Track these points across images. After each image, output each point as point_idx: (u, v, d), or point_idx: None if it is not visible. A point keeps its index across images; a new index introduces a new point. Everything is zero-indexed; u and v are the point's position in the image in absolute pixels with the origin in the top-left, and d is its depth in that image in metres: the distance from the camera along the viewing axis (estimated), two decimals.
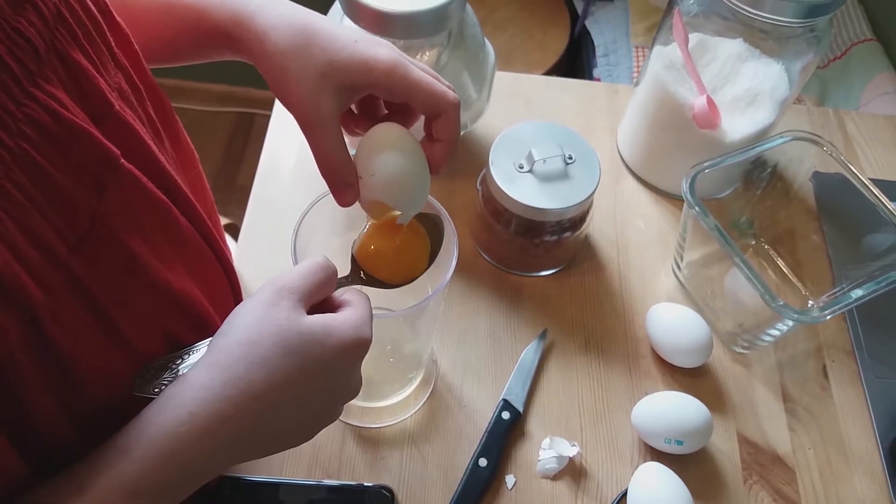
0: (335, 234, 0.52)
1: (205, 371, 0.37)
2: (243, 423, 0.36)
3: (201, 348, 0.41)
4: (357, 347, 0.39)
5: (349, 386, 0.42)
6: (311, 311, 0.39)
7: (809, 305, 0.67)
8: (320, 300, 0.41)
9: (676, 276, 0.68)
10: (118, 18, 0.42)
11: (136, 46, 0.44)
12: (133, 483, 0.34)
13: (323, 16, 0.46)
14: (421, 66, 0.44)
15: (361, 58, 0.42)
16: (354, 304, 0.41)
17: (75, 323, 0.35)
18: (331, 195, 0.45)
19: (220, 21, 0.45)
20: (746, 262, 0.56)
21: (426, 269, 0.48)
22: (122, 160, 0.36)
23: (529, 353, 0.62)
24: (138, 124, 0.39)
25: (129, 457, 0.34)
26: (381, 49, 0.43)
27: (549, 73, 1.45)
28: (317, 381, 0.38)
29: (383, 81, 0.42)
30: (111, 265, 0.36)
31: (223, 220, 1.31)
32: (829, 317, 0.55)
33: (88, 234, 0.34)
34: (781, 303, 0.54)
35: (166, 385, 0.38)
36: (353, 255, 0.47)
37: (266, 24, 0.43)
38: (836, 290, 0.63)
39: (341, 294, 0.42)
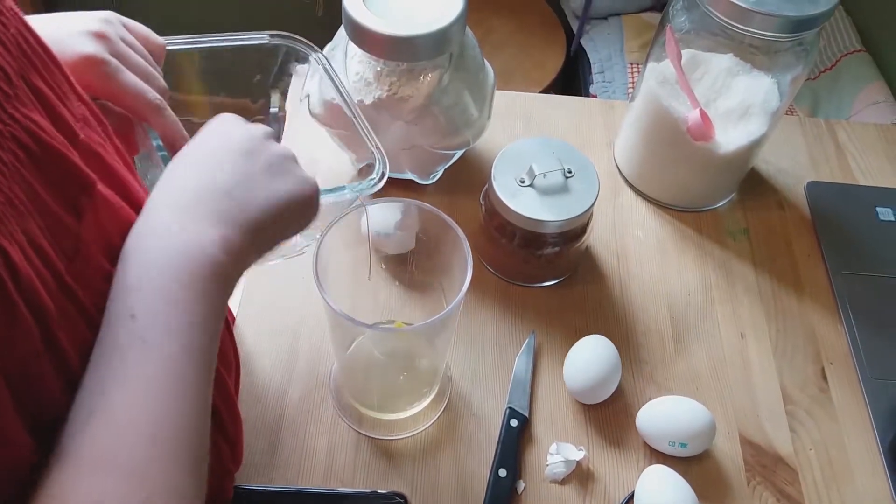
0: (347, 248, 0.54)
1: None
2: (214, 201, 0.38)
3: None
4: (253, 129, 0.43)
5: (260, 131, 0.43)
6: None
7: None
8: None
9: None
10: None
11: None
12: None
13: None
14: (137, 64, 0.45)
15: (72, 55, 0.43)
16: None
17: (76, 335, 0.35)
18: (343, 218, 0.47)
19: None
20: None
21: None
22: (98, 186, 0.36)
23: (522, 358, 0.64)
24: (108, 154, 0.40)
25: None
26: (88, 46, 0.43)
27: (547, 90, 1.48)
28: (240, 152, 0.41)
29: (82, 80, 0.41)
30: (96, 287, 0.36)
31: None
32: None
33: (75, 255, 0.34)
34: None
35: None
36: None
37: None
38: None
39: None
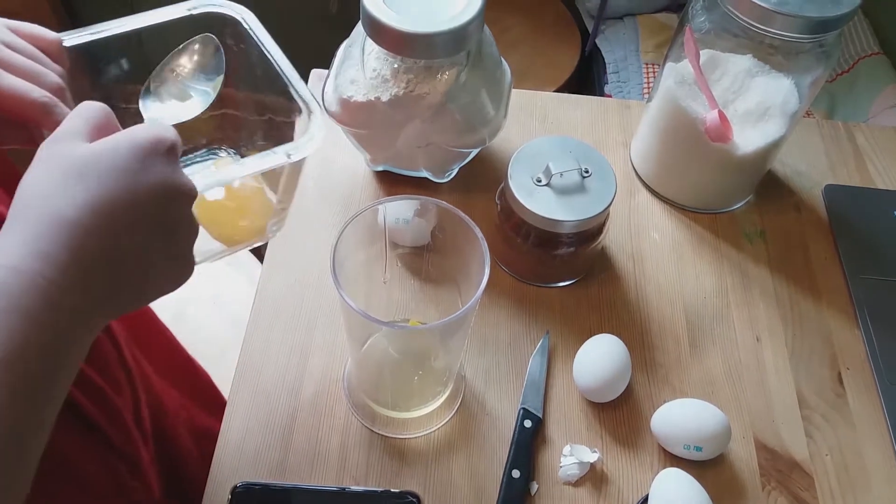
0: (363, 245, 0.54)
1: (11, 240, 0.34)
2: (71, 261, 0.34)
3: None
4: (157, 143, 0.37)
5: (175, 185, 0.38)
6: None
7: None
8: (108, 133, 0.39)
9: None
10: None
11: None
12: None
13: None
14: (19, 65, 0.42)
15: None
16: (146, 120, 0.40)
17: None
18: (360, 215, 0.47)
19: None
20: None
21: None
22: None
23: (536, 358, 0.63)
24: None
25: None
26: None
27: (561, 89, 1.47)
28: (130, 192, 0.36)
29: None
30: None
31: None
32: None
33: None
34: None
35: None
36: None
37: None
38: None
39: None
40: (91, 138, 0.38)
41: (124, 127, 0.40)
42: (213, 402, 0.79)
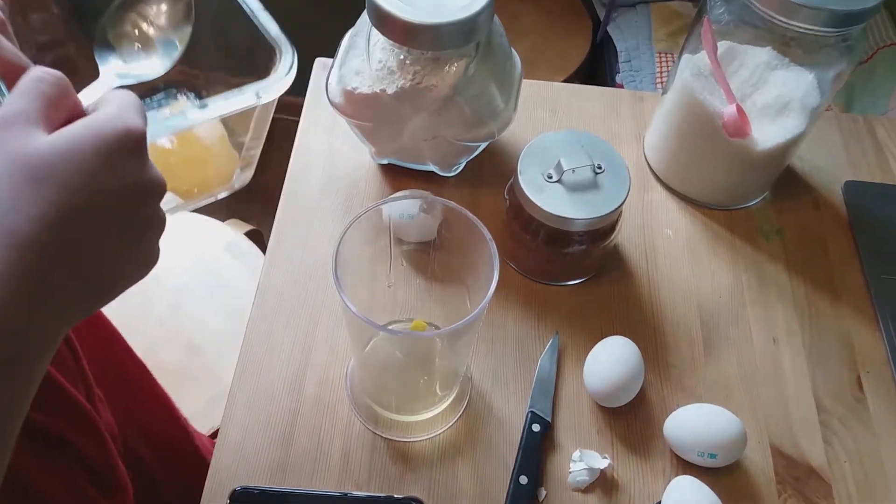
0: (367, 243, 0.52)
1: None
2: (27, 282, 0.31)
3: None
4: (125, 139, 0.33)
5: (144, 185, 0.35)
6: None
7: None
8: (67, 117, 0.35)
9: None
10: None
11: None
12: None
13: None
14: None
15: None
16: (108, 99, 0.35)
17: None
18: (363, 216, 0.45)
19: None
20: None
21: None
22: None
23: (545, 360, 0.61)
24: None
25: None
26: None
27: (571, 79, 1.45)
28: (94, 199, 0.33)
29: None
30: None
31: (245, 227, 1.32)
32: None
33: None
34: None
35: None
36: None
37: None
38: None
39: (98, 101, 0.35)
40: (47, 122, 0.33)
41: (81, 86, 0.36)
42: (170, 419, 0.76)
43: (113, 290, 0.37)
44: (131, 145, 0.34)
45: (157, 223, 0.38)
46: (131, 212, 0.35)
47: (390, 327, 0.61)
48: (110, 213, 0.34)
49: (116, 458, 0.57)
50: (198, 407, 1.00)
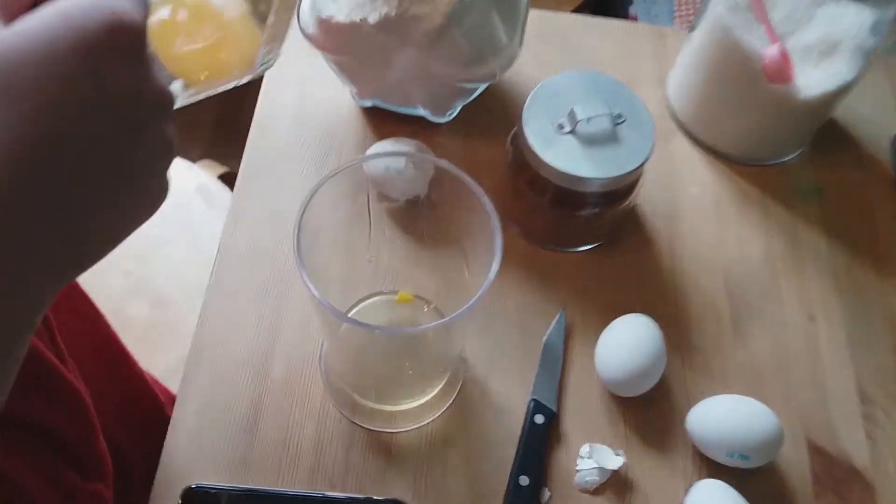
0: (343, 201, 0.44)
1: None
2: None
3: None
4: (116, 32, 0.24)
5: (144, 99, 0.27)
6: None
7: None
8: (29, 1, 0.27)
9: None
10: None
11: None
12: None
13: None
14: None
15: None
16: None
17: None
18: (334, 176, 0.36)
19: None
20: None
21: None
22: None
23: (550, 339, 0.54)
24: None
25: None
26: None
27: (580, 9, 1.34)
28: (72, 119, 0.24)
29: None
30: None
31: (220, 170, 1.22)
32: None
33: None
34: None
35: None
36: None
37: None
38: None
39: None
40: (6, 13, 0.25)
41: None
42: (146, 396, 0.69)
43: (112, 237, 0.29)
44: (125, 43, 0.25)
45: (162, 149, 0.29)
46: (127, 136, 0.26)
47: (371, 300, 0.53)
48: (97, 140, 0.25)
49: (98, 434, 0.50)
50: (169, 364, 0.93)
